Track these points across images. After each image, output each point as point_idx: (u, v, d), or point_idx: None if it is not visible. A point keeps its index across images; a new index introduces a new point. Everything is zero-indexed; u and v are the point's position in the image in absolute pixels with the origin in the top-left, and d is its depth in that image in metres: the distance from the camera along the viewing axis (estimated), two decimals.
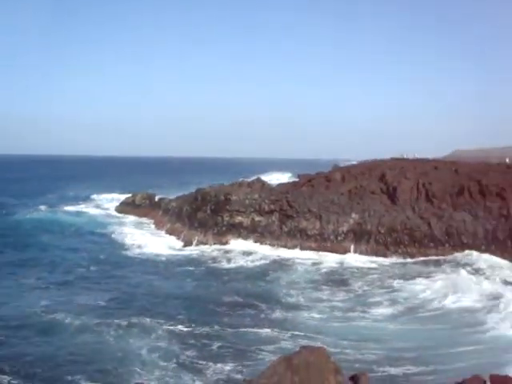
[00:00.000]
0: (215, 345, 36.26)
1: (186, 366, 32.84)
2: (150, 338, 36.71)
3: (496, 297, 45.18)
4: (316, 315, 43.39)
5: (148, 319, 40.45)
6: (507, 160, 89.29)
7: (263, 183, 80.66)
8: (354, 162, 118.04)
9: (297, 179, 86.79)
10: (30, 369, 31.64)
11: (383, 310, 44.66)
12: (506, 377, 10.56)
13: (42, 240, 76.62)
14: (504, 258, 63.62)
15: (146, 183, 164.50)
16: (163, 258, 66.47)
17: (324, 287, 52.92)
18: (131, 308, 44.56)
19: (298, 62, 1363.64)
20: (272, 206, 73.87)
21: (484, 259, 63.14)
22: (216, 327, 39.63)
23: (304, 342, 34.12)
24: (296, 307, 45.80)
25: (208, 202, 77.77)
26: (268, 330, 38.96)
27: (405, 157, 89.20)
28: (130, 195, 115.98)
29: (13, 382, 29.78)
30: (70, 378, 30.44)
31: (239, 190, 76.86)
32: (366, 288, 52.56)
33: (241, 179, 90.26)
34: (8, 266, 59.43)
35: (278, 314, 43.76)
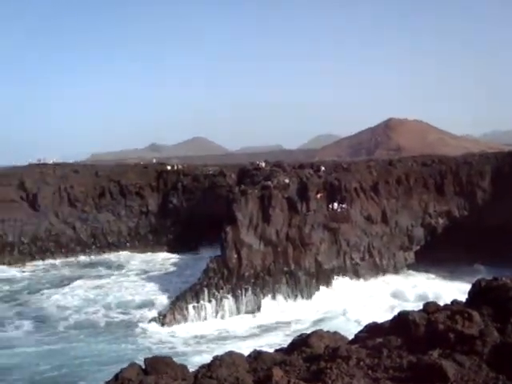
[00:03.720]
0: None
1: None
2: None
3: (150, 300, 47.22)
4: None
5: None
6: (154, 160, 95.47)
7: None
8: None
9: None
10: None
11: (18, 330, 40.86)
12: (157, 356, 10.79)
13: None
14: (145, 251, 68.09)
15: None
16: None
17: None
18: None
19: None
20: None
21: (129, 256, 66.39)
22: None
23: None
24: None
25: None
26: None
27: (43, 162, 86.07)
28: None
29: None
30: None
31: None
32: (2, 305, 47.85)
33: None
34: None
35: None
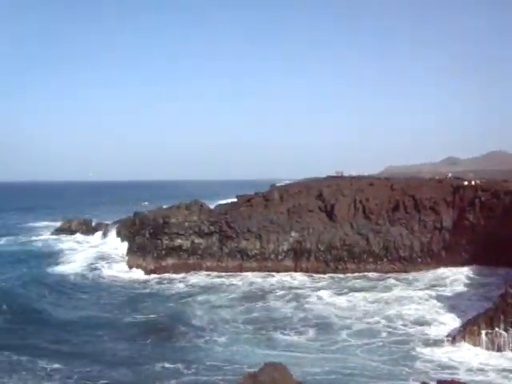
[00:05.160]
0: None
1: None
2: None
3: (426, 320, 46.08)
4: (223, 340, 42.18)
5: None
6: (449, 175, 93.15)
7: (201, 205, 79.94)
8: (288, 181, 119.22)
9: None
10: None
11: (301, 336, 43.42)
12: (453, 381, 10.47)
13: None
14: (437, 268, 66.07)
15: (80, 208, 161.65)
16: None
17: (241, 308, 52.50)
18: None
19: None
20: (211, 228, 73.35)
21: (419, 271, 65.57)
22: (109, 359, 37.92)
23: (208, 373, 34.03)
24: (205, 330, 44.70)
25: (147, 225, 76.51)
26: (169, 365, 36.18)
27: (340, 174, 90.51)
28: (63, 222, 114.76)
29: None
30: None
31: (178, 213, 75.87)
32: (288, 310, 51.40)
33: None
34: None
35: (182, 342, 41.90)
